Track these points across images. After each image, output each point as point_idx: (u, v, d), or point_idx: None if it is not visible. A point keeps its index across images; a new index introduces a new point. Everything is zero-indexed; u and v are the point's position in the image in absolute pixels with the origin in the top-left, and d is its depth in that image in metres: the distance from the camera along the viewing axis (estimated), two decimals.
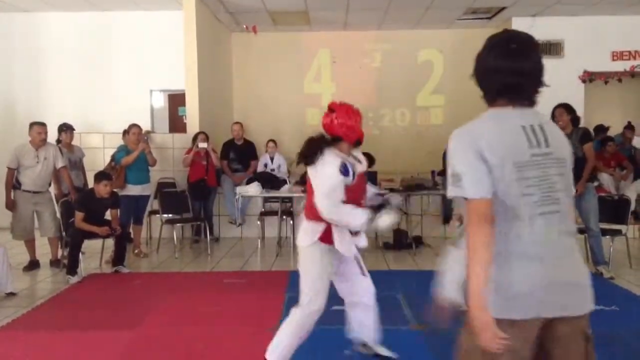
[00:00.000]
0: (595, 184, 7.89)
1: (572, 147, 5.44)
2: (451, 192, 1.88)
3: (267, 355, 3.51)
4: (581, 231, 5.98)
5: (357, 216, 3.24)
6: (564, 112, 5.93)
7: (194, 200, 7.80)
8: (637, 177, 8.39)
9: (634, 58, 9.74)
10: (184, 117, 9.22)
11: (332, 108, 3.50)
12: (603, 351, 3.91)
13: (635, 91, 11.41)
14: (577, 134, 5.95)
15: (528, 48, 1.94)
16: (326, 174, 3.22)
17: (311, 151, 3.29)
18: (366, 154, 8.31)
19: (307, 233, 3.40)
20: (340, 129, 3.41)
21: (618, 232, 6.21)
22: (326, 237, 3.35)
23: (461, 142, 1.89)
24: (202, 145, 7.79)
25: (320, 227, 3.33)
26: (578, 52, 9.72)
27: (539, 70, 1.93)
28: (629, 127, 9.46)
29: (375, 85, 11.16)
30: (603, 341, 4.12)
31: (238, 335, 4.33)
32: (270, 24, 10.22)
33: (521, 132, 1.86)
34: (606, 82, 9.94)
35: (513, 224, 1.83)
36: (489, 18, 9.97)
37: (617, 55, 9.76)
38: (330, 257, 3.43)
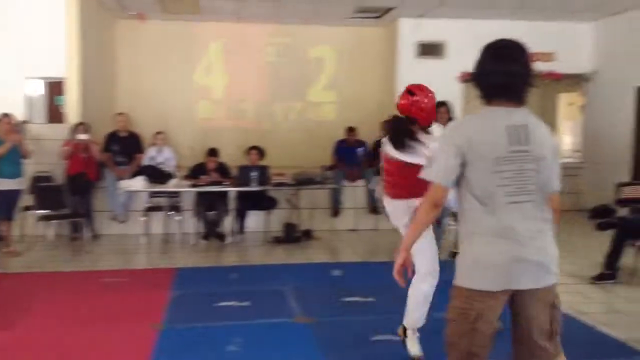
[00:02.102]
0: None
1: None
2: (423, 173, 2.30)
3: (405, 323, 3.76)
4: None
5: None
6: (447, 110, 6.25)
7: (72, 195, 7.38)
8: None
9: None
10: (61, 106, 8.67)
11: (412, 91, 3.65)
12: None
13: None
14: None
15: (517, 53, 2.22)
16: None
17: (401, 135, 3.55)
18: (257, 148, 8.40)
19: (404, 213, 3.55)
20: (419, 112, 3.60)
21: None
22: None
23: (447, 135, 2.30)
24: (82, 136, 7.39)
25: (415, 202, 3.25)
26: (458, 54, 10.26)
27: (527, 72, 2.21)
28: None
29: (268, 80, 11.14)
30: None
31: (119, 334, 4.17)
32: (159, 11, 9.86)
33: (503, 131, 2.16)
34: None
35: (489, 209, 2.17)
36: (378, 17, 10.28)
37: None
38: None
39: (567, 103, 12.46)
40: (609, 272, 5.60)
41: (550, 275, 2.23)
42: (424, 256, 3.56)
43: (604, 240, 6.04)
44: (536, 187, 2.20)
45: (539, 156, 2.20)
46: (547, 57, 10.43)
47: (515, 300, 2.23)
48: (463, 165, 2.17)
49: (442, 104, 6.27)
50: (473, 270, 2.20)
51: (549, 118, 12.48)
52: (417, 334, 3.79)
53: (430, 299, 3.68)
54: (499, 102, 2.21)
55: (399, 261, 2.38)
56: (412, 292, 3.69)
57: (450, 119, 6.31)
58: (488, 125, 2.18)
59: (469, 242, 2.24)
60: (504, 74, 2.18)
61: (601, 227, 6.49)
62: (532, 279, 2.19)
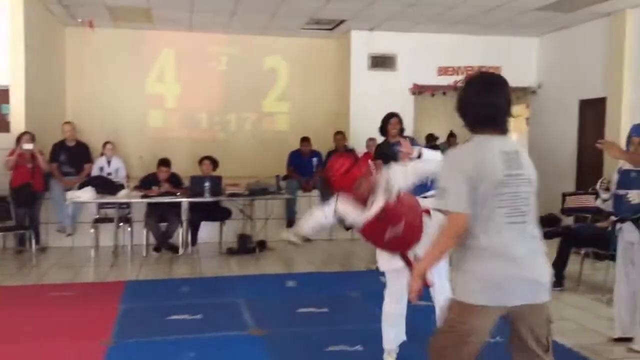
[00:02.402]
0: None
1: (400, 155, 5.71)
2: (436, 204, 2.37)
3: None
4: None
5: None
6: (399, 121, 6.28)
7: (17, 206, 7.14)
8: None
9: (457, 73, 10.71)
10: (7, 115, 8.38)
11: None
12: (422, 343, 4.20)
13: None
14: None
15: (501, 86, 2.40)
16: None
17: None
18: (210, 158, 8.32)
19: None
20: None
21: None
22: None
23: (450, 163, 2.40)
24: (27, 146, 7.14)
25: None
26: (409, 66, 10.46)
27: (508, 104, 2.39)
28: (452, 135, 10.41)
29: (221, 89, 11.07)
30: (423, 334, 4.48)
31: (67, 351, 4.05)
32: (109, 19, 9.68)
33: (499, 156, 2.30)
34: (433, 95, 10.83)
35: (488, 229, 2.29)
36: (331, 29, 10.37)
37: (443, 71, 10.68)
38: None
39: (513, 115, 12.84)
40: (555, 280, 5.76)
41: (546, 292, 2.38)
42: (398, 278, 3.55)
43: (550, 248, 6.23)
44: (529, 208, 2.37)
45: (531, 179, 2.39)
46: (494, 70, 10.77)
47: (514, 314, 2.36)
48: (473, 189, 2.27)
49: (393, 115, 6.36)
50: (471, 286, 2.32)
51: None
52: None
53: (401, 319, 3.70)
54: (485, 131, 2.36)
55: (416, 287, 2.42)
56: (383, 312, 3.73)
57: (402, 129, 6.40)
58: (486, 151, 2.31)
59: (468, 260, 2.35)
60: (489, 106, 2.34)
61: (547, 236, 6.70)
62: (529, 296, 2.32)
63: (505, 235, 2.30)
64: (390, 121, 6.28)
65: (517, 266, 2.30)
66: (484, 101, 2.35)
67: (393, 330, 3.71)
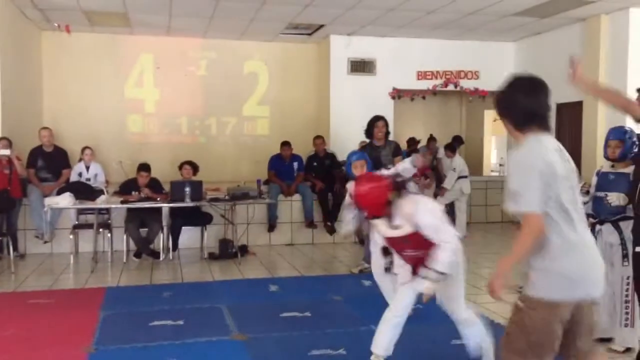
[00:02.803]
0: None
1: (386, 158, 5.85)
2: (510, 207, 2.37)
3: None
4: None
5: None
6: (385, 124, 6.36)
7: None
8: (438, 185, 9.30)
9: (436, 78, 10.83)
10: None
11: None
12: (408, 345, 4.23)
13: (437, 107, 12.72)
14: (390, 146, 6.43)
15: (545, 87, 2.48)
16: None
17: None
18: (190, 163, 8.27)
19: None
20: None
21: None
22: None
23: (520, 165, 2.36)
24: (4, 152, 7.03)
25: None
26: (388, 71, 10.55)
27: (550, 105, 2.48)
28: (432, 139, 10.49)
29: (201, 94, 11.03)
30: (408, 336, 4.52)
31: (47, 358, 3.99)
32: (86, 24, 9.59)
33: (556, 152, 2.38)
34: (412, 99, 10.93)
35: (568, 222, 2.32)
36: (310, 34, 10.41)
37: (422, 75, 10.78)
38: None
39: (492, 119, 13.03)
40: None
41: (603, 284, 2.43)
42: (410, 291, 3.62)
43: None
44: (580, 200, 2.46)
45: (575, 172, 2.45)
46: (472, 74, 10.92)
47: (579, 307, 2.37)
48: (547, 187, 2.29)
49: (379, 118, 6.39)
50: (563, 282, 2.31)
51: (476, 133, 13.03)
52: None
53: (400, 329, 3.69)
54: (533, 130, 2.41)
55: (498, 286, 2.42)
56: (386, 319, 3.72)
57: (387, 133, 6.42)
58: (548, 148, 2.37)
59: (552, 257, 2.33)
60: (540, 106, 2.43)
61: None
62: (600, 288, 2.39)
63: (582, 227, 2.37)
64: (376, 124, 6.33)
65: (598, 257, 2.39)
66: (534, 101, 2.42)
67: (388, 337, 3.70)
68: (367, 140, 6.72)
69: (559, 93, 10.42)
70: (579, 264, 2.33)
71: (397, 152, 6.45)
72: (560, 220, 2.32)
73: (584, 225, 2.40)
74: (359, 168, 5.08)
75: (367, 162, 5.22)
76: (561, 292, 2.31)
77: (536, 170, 2.28)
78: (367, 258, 6.59)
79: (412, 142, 10.42)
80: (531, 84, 2.48)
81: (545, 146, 2.36)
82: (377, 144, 6.44)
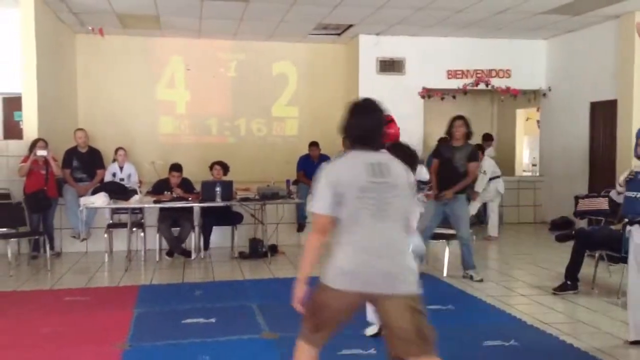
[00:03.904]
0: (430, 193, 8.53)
1: (459, 161, 5.99)
2: (309, 208, 2.84)
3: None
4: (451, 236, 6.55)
5: None
6: (463, 124, 6.23)
7: (31, 212, 7.20)
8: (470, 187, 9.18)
9: (466, 77, 10.73)
10: (20, 122, 8.47)
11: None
12: (440, 346, 4.23)
13: (468, 107, 12.57)
14: (467, 150, 6.29)
15: (371, 110, 2.80)
16: None
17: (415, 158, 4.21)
18: (221, 163, 8.36)
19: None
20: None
21: (453, 237, 6.75)
22: None
23: (321, 174, 2.74)
24: (41, 152, 7.21)
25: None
26: (418, 70, 10.49)
27: (378, 125, 2.80)
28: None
29: (230, 95, 11.14)
30: (440, 337, 4.48)
31: (83, 354, 4.08)
32: (119, 26, 9.77)
33: (365, 167, 2.68)
34: (442, 98, 10.84)
35: (353, 227, 2.67)
36: (339, 34, 10.41)
37: (452, 74, 10.69)
38: None
39: (524, 118, 12.84)
40: (569, 283, 5.74)
41: (406, 285, 2.68)
42: None
43: (564, 251, 6.21)
44: (394, 210, 2.70)
45: (396, 185, 2.71)
46: (504, 73, 10.78)
47: (378, 304, 2.70)
48: (335, 195, 2.65)
49: (458, 117, 6.30)
50: (337, 273, 2.67)
51: (508, 133, 12.86)
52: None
53: None
54: (357, 147, 2.78)
55: (298, 294, 2.74)
56: None
57: (467, 134, 6.27)
58: (353, 164, 2.72)
59: (337, 251, 2.70)
60: (361, 128, 2.77)
61: (559, 239, 6.69)
62: (384, 286, 2.64)
63: (367, 231, 2.66)
64: (454, 123, 6.25)
65: (378, 259, 2.63)
66: (358, 124, 2.77)
67: None
68: (447, 136, 6.56)
69: (593, 91, 10.34)
70: (352, 261, 2.65)
71: (473, 158, 6.30)
72: (351, 221, 2.66)
73: (380, 223, 2.65)
74: None
75: None
76: (337, 281, 2.66)
77: (328, 181, 2.68)
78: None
79: (444, 142, 10.33)
80: (359, 108, 2.82)
81: (353, 162, 2.72)
82: (455, 144, 6.33)
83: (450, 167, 6.29)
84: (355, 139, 2.80)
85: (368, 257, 2.64)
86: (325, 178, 2.71)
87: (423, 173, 5.55)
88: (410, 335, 2.63)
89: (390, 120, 4.44)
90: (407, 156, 3.87)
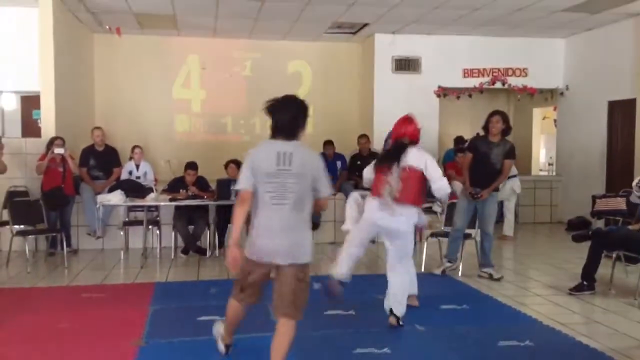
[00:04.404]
0: (449, 191, 8.44)
1: (495, 157, 6.01)
2: (236, 186, 3.46)
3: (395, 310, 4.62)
4: (466, 236, 6.48)
5: None
6: (500, 120, 6.12)
7: (49, 209, 7.28)
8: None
9: (482, 75, 10.65)
10: (38, 120, 8.57)
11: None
12: (455, 345, 4.23)
13: (484, 106, 12.48)
14: (505, 147, 6.17)
15: (286, 106, 3.36)
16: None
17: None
18: (236, 161, 8.39)
19: (414, 216, 4.57)
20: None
21: (469, 236, 6.71)
22: None
23: (246, 158, 3.38)
24: (59, 151, 7.28)
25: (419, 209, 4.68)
26: (433, 69, 10.43)
27: (292, 119, 3.34)
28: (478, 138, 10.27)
29: (246, 94, 11.16)
30: (455, 336, 4.47)
31: (99, 351, 4.11)
32: (136, 26, 9.84)
33: (274, 155, 3.27)
34: (458, 97, 10.78)
35: (260, 208, 3.34)
36: (354, 33, 10.39)
37: (468, 73, 10.63)
38: None
39: (541, 117, 12.72)
40: (586, 283, 5.68)
41: (296, 258, 3.34)
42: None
43: (581, 251, 6.15)
44: (294, 194, 3.27)
45: (299, 173, 3.26)
46: (521, 72, 10.70)
47: (278, 270, 3.37)
48: (253, 176, 3.30)
49: (495, 112, 6.21)
50: (251, 247, 3.38)
51: (525, 132, 12.74)
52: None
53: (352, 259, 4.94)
54: (277, 137, 3.34)
55: (230, 255, 3.29)
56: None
57: (505, 130, 6.15)
58: (265, 151, 3.32)
59: (252, 230, 3.38)
60: (275, 121, 3.34)
61: (575, 239, 6.61)
62: (282, 258, 3.31)
63: (270, 213, 3.29)
64: (491, 119, 6.16)
65: (275, 237, 3.29)
66: (275, 117, 3.33)
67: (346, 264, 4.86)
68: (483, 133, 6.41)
69: (611, 90, 10.23)
70: (259, 239, 3.34)
71: (510, 155, 6.18)
72: (259, 203, 3.32)
73: (278, 209, 3.27)
74: None
75: None
76: (251, 253, 3.38)
77: (248, 163, 3.33)
78: (450, 255, 6.52)
79: (460, 141, 10.26)
80: (276, 103, 3.35)
81: (267, 148, 3.32)
82: (491, 140, 6.22)
83: (486, 163, 6.15)
84: (272, 130, 3.37)
85: (269, 235, 3.31)
86: (247, 161, 3.35)
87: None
88: (285, 298, 3.35)
89: (408, 120, 4.72)
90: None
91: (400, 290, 4.66)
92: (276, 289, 3.37)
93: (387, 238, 4.81)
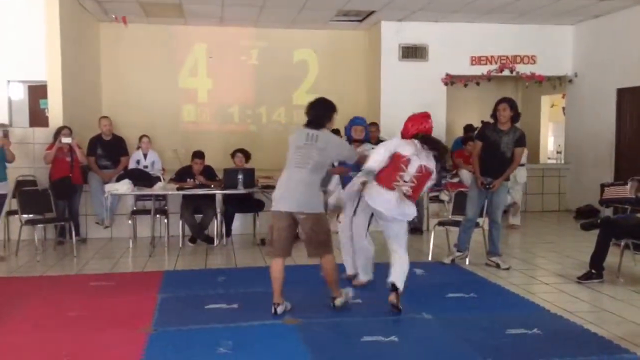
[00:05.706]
0: (456, 180, 8.41)
1: (505, 145, 6.17)
2: None
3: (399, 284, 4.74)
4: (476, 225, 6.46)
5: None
6: (507, 107, 6.05)
7: (57, 199, 7.32)
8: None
9: (490, 63, 10.58)
10: (45, 110, 8.60)
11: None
12: (462, 334, 4.23)
13: (492, 93, 12.41)
14: (515, 134, 6.10)
15: (315, 105, 4.70)
16: None
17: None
18: (242, 151, 8.38)
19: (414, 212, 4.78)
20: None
21: (477, 224, 6.68)
22: None
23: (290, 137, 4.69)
24: (66, 140, 7.31)
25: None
26: (441, 57, 10.36)
27: (319, 116, 4.65)
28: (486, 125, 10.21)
29: (252, 83, 11.15)
30: (463, 325, 4.47)
31: (108, 338, 4.14)
32: (142, 15, 9.82)
33: (305, 135, 4.55)
34: (466, 85, 10.71)
35: (286, 170, 4.57)
36: (360, 21, 10.33)
37: (476, 60, 10.55)
38: None
39: (549, 105, 12.63)
40: (594, 272, 5.66)
41: (307, 208, 4.45)
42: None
43: (589, 240, 6.13)
44: (313, 162, 4.46)
45: (322, 148, 4.48)
46: (529, 59, 10.61)
47: (297, 219, 4.51)
48: (290, 147, 4.61)
49: (503, 100, 6.15)
50: (274, 200, 4.57)
51: (533, 120, 12.66)
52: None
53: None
54: (309, 127, 4.60)
55: None
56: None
57: (514, 117, 6.09)
58: (298, 133, 4.63)
59: (276, 186, 4.64)
60: (308, 115, 4.67)
61: (584, 227, 6.59)
62: (296, 208, 4.45)
63: (292, 173, 4.49)
64: (498, 107, 6.11)
65: (291, 191, 4.46)
66: (308, 114, 4.67)
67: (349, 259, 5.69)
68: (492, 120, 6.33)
69: (620, 77, 10.14)
70: (280, 192, 4.54)
71: (520, 143, 6.11)
72: (286, 167, 4.56)
73: (298, 170, 4.46)
74: (358, 132, 6.03)
75: (366, 128, 6.09)
76: (274, 205, 4.57)
77: (290, 140, 4.63)
78: (460, 245, 6.50)
79: (469, 129, 10.21)
80: (311, 105, 4.69)
81: (300, 131, 4.60)
82: (501, 128, 6.14)
83: (495, 152, 6.09)
84: (307, 122, 4.63)
85: (287, 189, 4.48)
86: (290, 139, 4.65)
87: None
88: (307, 244, 4.59)
89: (428, 116, 5.02)
90: (439, 146, 4.79)
91: (401, 269, 4.82)
92: (302, 233, 4.61)
93: (381, 224, 4.94)
